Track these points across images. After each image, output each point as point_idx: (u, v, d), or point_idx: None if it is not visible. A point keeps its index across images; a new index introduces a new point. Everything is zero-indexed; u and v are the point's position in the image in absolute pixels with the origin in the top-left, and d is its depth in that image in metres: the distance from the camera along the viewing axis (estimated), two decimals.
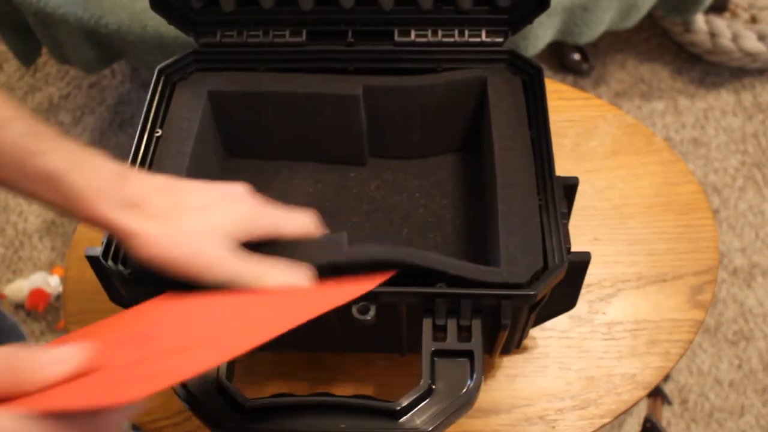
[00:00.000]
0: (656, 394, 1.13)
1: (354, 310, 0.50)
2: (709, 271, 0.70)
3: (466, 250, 0.63)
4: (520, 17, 0.64)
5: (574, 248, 0.62)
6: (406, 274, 0.50)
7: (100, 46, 1.14)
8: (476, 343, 0.50)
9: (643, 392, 0.65)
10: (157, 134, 0.60)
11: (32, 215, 1.50)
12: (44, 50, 1.28)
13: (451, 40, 0.65)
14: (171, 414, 0.65)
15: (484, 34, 0.65)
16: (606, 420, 0.64)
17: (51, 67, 1.64)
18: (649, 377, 0.66)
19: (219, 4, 0.64)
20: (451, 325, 0.51)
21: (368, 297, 0.49)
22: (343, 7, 0.64)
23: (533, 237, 0.52)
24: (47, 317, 1.39)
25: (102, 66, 1.19)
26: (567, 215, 0.55)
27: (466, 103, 0.66)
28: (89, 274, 0.55)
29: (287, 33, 0.66)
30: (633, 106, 1.56)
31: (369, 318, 0.50)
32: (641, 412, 1.19)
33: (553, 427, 0.64)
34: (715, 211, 1.47)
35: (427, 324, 0.51)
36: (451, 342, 0.50)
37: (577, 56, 1.57)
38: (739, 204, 1.47)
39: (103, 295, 0.58)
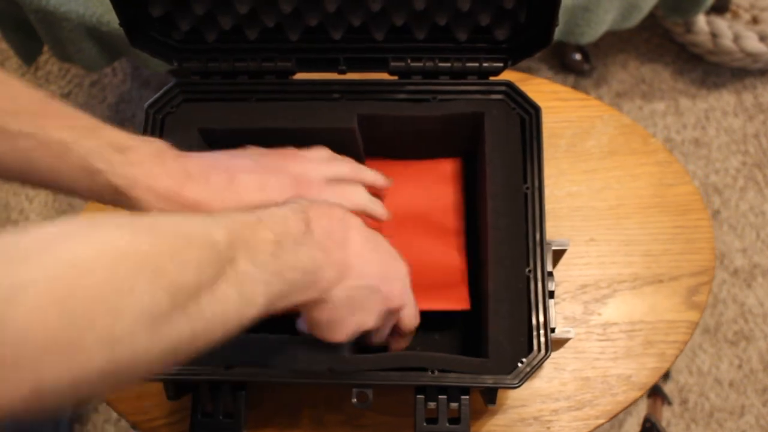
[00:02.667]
0: (656, 394, 1.13)
1: (354, 400, 0.54)
2: (705, 272, 0.70)
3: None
4: (520, 49, 0.62)
5: (571, 249, 0.62)
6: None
7: (102, 45, 1.14)
8: (464, 426, 0.55)
9: (639, 393, 0.65)
10: None
11: (33, 213, 1.50)
12: (45, 48, 1.28)
13: (448, 65, 0.63)
14: (166, 413, 0.65)
15: (482, 62, 0.63)
16: (601, 421, 0.64)
17: (52, 66, 1.64)
18: (645, 378, 0.66)
19: (202, 34, 0.63)
20: (442, 401, 0.55)
21: (367, 386, 0.54)
22: (333, 38, 0.62)
23: (520, 322, 0.55)
24: None
25: (103, 64, 1.19)
26: (552, 276, 0.57)
27: (462, 132, 0.66)
28: None
29: (276, 59, 0.64)
30: (634, 106, 1.56)
31: (368, 405, 0.54)
32: (641, 412, 1.19)
33: (548, 428, 0.64)
34: (716, 212, 1.46)
35: (420, 400, 0.55)
36: (441, 425, 0.55)
37: (578, 56, 1.57)
38: (740, 204, 1.47)
39: None
